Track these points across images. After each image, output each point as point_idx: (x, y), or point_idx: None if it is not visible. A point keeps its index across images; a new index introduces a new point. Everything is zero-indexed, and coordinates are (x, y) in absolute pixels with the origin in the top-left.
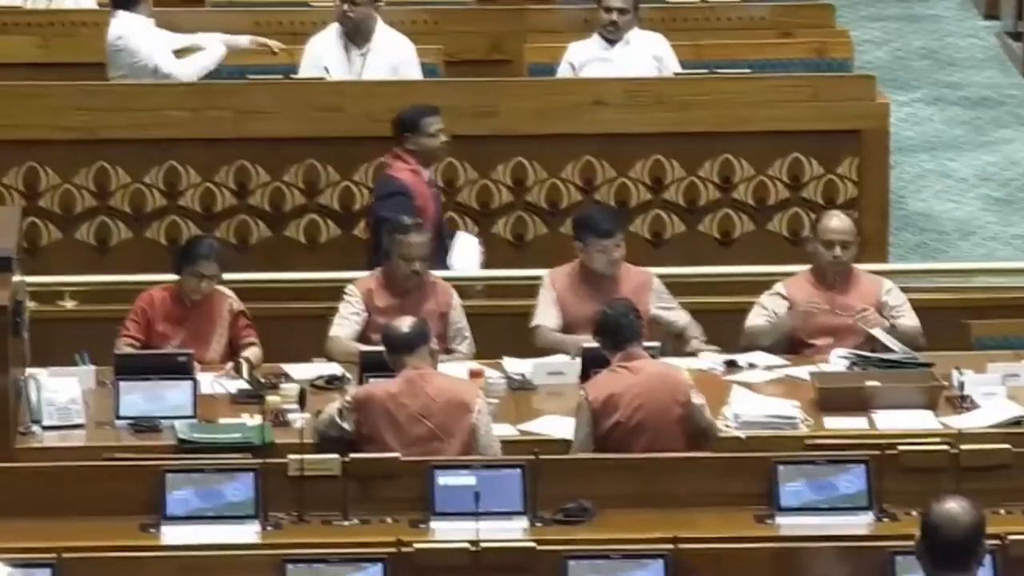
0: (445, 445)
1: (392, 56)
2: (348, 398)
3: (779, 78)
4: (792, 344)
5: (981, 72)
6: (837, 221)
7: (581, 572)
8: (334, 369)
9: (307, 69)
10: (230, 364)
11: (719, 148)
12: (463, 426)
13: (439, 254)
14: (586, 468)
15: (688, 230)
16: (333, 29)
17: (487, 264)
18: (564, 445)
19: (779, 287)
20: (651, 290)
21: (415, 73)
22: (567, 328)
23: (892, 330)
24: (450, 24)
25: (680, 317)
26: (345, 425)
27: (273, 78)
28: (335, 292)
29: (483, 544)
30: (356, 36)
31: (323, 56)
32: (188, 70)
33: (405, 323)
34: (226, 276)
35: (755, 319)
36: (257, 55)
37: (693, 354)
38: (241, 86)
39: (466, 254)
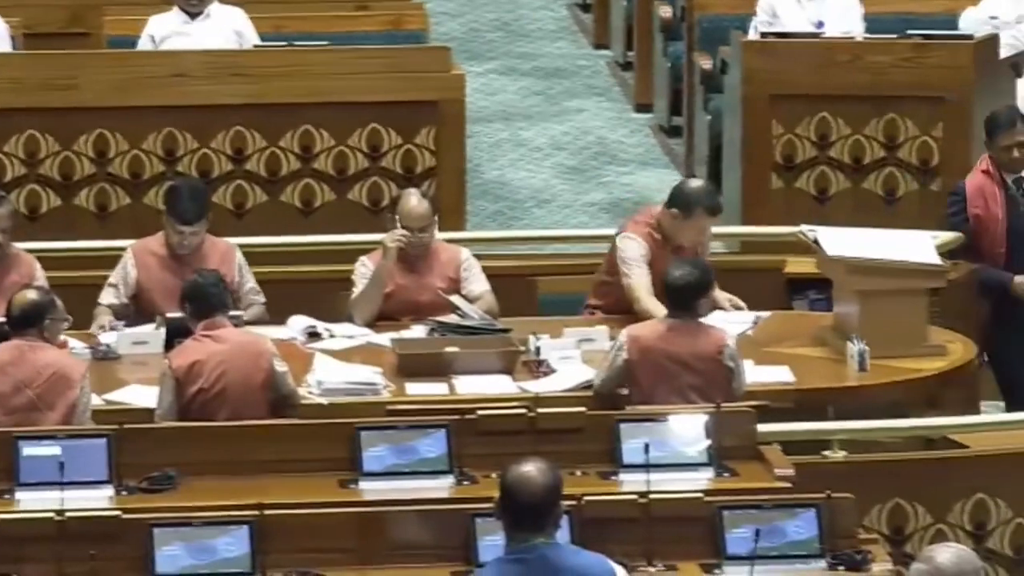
0: (44, 417)
1: None
2: None
3: (357, 50)
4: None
5: (553, 43)
6: (415, 202)
7: (167, 540)
8: None
9: None
10: None
11: (299, 119)
12: (65, 400)
13: None
14: (170, 437)
15: (270, 200)
16: None
17: None
18: (149, 414)
19: (362, 259)
20: (234, 261)
21: (4, 47)
22: (148, 297)
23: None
24: None
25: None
26: None
27: None
28: None
29: (68, 514)
30: None
31: None
32: None
33: (28, 296)
34: None
35: (358, 287)
36: None
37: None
38: None
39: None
